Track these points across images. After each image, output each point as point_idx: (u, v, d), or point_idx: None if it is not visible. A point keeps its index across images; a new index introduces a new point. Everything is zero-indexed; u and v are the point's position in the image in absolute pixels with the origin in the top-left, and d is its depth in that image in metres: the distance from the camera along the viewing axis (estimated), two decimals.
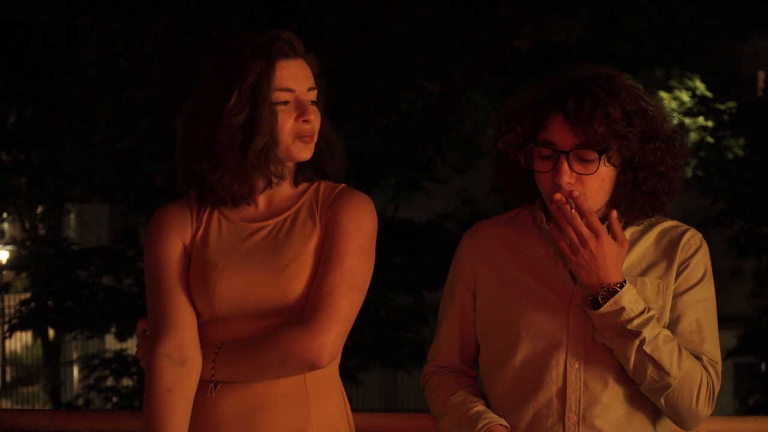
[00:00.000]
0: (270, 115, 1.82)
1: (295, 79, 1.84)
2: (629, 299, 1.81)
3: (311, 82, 1.87)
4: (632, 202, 1.90)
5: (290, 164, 1.91)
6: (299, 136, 1.84)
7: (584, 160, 1.84)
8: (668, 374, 1.82)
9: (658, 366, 1.81)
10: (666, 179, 1.88)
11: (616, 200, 1.90)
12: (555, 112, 1.85)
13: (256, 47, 1.83)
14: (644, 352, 1.80)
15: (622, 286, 1.81)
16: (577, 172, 1.84)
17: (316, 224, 1.87)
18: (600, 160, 1.84)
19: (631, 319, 1.80)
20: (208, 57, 1.88)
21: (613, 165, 1.85)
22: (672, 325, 1.89)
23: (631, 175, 1.86)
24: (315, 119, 1.86)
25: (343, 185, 1.94)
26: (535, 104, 1.90)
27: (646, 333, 1.80)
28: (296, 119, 1.84)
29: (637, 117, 1.83)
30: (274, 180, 1.88)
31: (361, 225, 1.86)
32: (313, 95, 1.87)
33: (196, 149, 1.84)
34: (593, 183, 1.86)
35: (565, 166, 1.84)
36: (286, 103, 1.83)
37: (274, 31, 1.86)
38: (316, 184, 1.94)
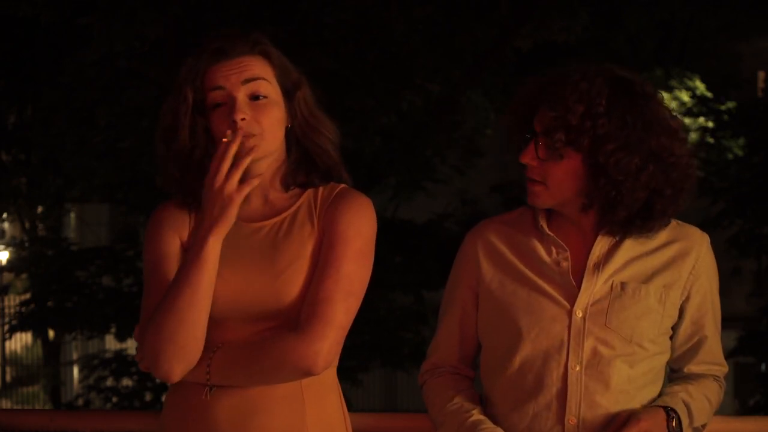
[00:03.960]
0: (194, 120, 1.81)
1: (225, 77, 1.80)
2: (680, 413, 1.91)
3: (249, 74, 1.81)
4: (603, 207, 1.90)
5: (264, 165, 1.86)
6: None
7: (550, 148, 1.86)
8: (710, 418, 2.01)
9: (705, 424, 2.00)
10: (624, 189, 1.84)
11: (581, 202, 1.91)
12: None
13: (187, 61, 1.82)
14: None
15: (667, 411, 1.90)
16: (539, 157, 1.88)
17: (314, 226, 1.85)
18: (555, 149, 1.85)
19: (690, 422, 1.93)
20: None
21: (559, 154, 1.85)
22: (691, 336, 2.00)
23: (596, 180, 1.87)
24: (258, 114, 1.81)
25: (342, 186, 1.91)
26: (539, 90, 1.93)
27: (703, 419, 1.98)
28: (228, 120, 1.79)
29: (604, 119, 1.82)
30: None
31: (359, 229, 1.84)
32: (253, 88, 1.81)
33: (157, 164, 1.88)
34: (555, 173, 1.88)
35: (531, 146, 1.88)
36: (219, 105, 1.80)
37: (210, 35, 1.84)
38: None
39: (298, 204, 1.89)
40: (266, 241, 1.85)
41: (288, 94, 1.87)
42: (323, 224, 1.85)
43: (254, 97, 1.82)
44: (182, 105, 1.82)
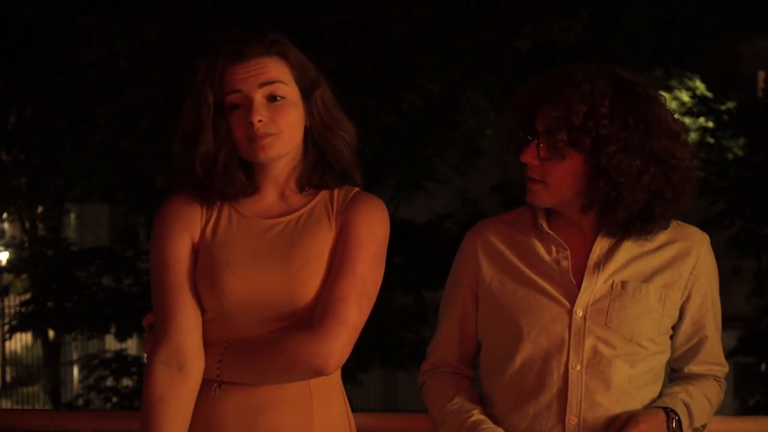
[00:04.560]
0: (215, 122, 1.81)
1: (242, 80, 1.81)
2: (680, 414, 1.90)
3: (266, 77, 1.82)
4: (603, 208, 1.90)
5: (282, 164, 1.88)
6: (250, 138, 1.82)
7: (552, 147, 1.85)
8: (710, 418, 2.00)
9: (706, 424, 2.00)
10: (624, 191, 1.84)
11: (581, 202, 1.91)
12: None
13: (205, 58, 1.83)
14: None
15: (667, 411, 1.89)
16: (540, 156, 1.87)
17: (330, 227, 1.85)
18: (557, 149, 1.84)
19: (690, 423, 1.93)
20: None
21: (561, 154, 1.85)
22: (692, 336, 1.99)
23: (597, 181, 1.86)
24: (275, 116, 1.82)
25: (357, 189, 1.92)
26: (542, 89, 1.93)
27: (703, 419, 1.97)
28: (246, 122, 1.81)
29: (606, 120, 1.81)
30: (253, 182, 1.88)
31: (374, 231, 1.85)
32: (270, 90, 1.82)
33: (175, 160, 1.88)
34: (556, 172, 1.87)
35: (532, 145, 1.88)
36: (236, 107, 1.82)
37: (227, 37, 1.85)
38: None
39: (313, 203, 1.89)
40: (281, 239, 1.84)
41: (306, 93, 1.88)
42: (339, 226, 1.85)
43: (272, 99, 1.83)
44: (204, 107, 1.82)
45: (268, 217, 1.87)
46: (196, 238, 1.87)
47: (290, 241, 1.83)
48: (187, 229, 1.87)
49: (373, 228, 1.85)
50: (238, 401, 1.81)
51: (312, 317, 1.79)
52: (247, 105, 1.81)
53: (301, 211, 1.88)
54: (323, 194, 1.90)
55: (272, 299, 1.80)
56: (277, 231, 1.85)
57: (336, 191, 1.91)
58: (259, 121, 1.80)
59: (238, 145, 1.84)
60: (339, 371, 1.91)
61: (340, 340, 1.76)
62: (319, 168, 1.91)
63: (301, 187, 1.91)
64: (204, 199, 1.88)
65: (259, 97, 1.81)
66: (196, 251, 1.86)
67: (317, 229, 1.85)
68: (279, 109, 1.82)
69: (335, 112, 1.91)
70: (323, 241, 1.84)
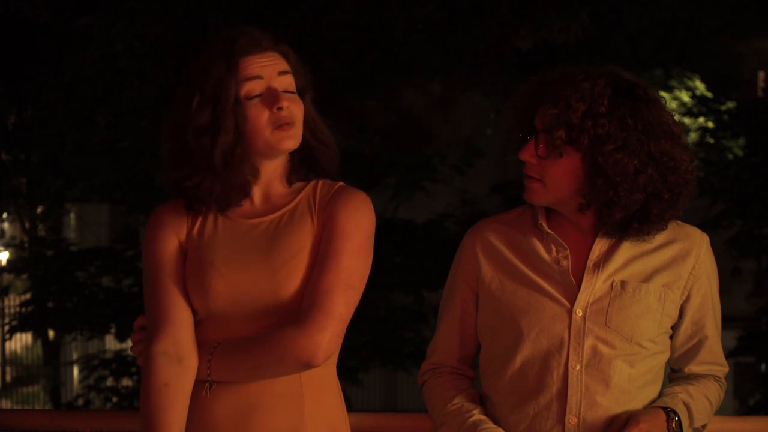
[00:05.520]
0: (234, 111, 1.80)
1: (261, 67, 1.82)
2: (680, 414, 1.90)
3: (283, 67, 1.84)
4: (600, 208, 1.90)
5: (278, 161, 1.89)
6: (277, 126, 1.82)
7: (550, 145, 1.85)
8: (710, 418, 1.99)
9: (706, 424, 1.99)
10: (621, 190, 1.84)
11: (578, 202, 1.91)
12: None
13: (217, 48, 1.82)
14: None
15: (667, 412, 1.89)
16: (539, 155, 1.87)
17: (313, 222, 1.86)
18: (555, 147, 1.85)
19: (690, 423, 1.92)
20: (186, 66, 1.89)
21: (559, 152, 1.86)
22: (692, 336, 1.99)
23: (594, 180, 1.86)
24: (292, 105, 1.83)
25: (341, 183, 1.93)
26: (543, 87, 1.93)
27: (703, 419, 1.97)
28: (270, 109, 1.81)
29: (604, 119, 1.82)
30: (252, 180, 1.87)
31: (358, 224, 1.86)
32: (286, 81, 1.84)
33: (172, 158, 1.85)
34: (554, 171, 1.88)
35: (531, 143, 1.88)
36: (257, 96, 1.82)
37: (235, 29, 1.85)
38: (313, 182, 1.93)
39: (296, 200, 1.90)
40: (264, 237, 1.86)
41: (300, 94, 1.90)
42: (322, 220, 1.86)
43: (284, 91, 1.85)
44: (224, 94, 1.80)
45: (252, 217, 1.89)
46: (183, 240, 1.89)
47: (273, 239, 1.85)
48: (174, 232, 1.89)
49: (358, 221, 1.86)
50: (229, 401, 1.82)
51: (299, 311, 1.79)
52: (269, 92, 1.82)
53: (284, 210, 1.89)
54: (307, 191, 1.91)
55: (258, 296, 1.81)
56: (260, 230, 1.87)
57: (320, 186, 1.92)
58: (287, 107, 1.82)
59: (255, 135, 1.83)
60: (333, 367, 1.92)
61: (327, 332, 1.77)
62: (305, 164, 1.93)
63: (289, 182, 1.93)
64: (190, 205, 1.89)
65: (280, 85, 1.83)
66: (184, 253, 1.88)
67: (300, 226, 1.86)
68: (294, 100, 1.86)
69: (320, 117, 1.95)
70: (306, 236, 1.85)
